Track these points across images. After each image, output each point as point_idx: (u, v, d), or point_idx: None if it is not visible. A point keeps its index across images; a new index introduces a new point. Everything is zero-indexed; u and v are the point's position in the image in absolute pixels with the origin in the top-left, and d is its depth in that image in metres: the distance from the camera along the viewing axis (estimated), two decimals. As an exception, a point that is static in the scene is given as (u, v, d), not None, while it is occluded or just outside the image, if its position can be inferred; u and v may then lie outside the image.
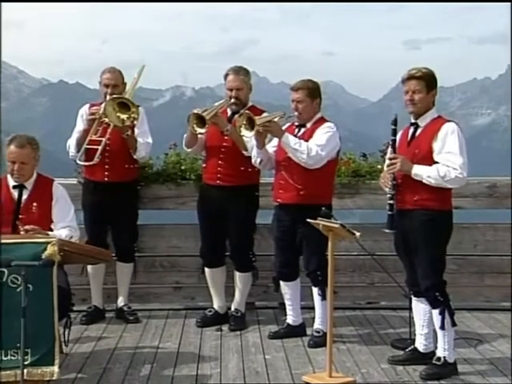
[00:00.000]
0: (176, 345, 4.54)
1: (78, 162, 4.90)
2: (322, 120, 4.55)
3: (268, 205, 4.97)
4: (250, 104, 4.88)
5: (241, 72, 4.80)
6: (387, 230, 3.99)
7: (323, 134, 4.42)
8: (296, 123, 4.57)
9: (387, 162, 4.07)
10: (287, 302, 4.69)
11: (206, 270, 5.02)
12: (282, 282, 4.67)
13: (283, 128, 4.50)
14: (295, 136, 4.46)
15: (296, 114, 4.49)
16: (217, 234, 4.91)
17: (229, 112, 4.83)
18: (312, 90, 4.49)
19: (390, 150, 4.03)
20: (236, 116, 4.63)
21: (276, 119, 4.52)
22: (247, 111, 4.49)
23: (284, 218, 4.56)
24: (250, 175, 4.83)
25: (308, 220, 4.05)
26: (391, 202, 3.96)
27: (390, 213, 3.96)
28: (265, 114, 4.78)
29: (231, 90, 4.78)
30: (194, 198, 5.18)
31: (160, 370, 4.06)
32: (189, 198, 5.38)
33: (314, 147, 4.34)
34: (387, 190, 4.00)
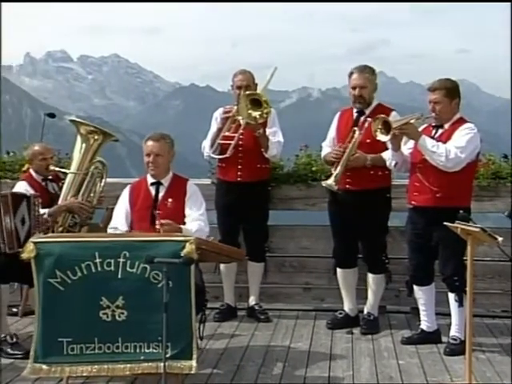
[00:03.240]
0: (307, 345, 4.56)
1: (212, 155, 5.03)
2: (462, 121, 4.38)
3: (401, 207, 4.87)
4: (376, 102, 4.80)
5: (365, 70, 4.73)
6: None
7: (463, 136, 4.26)
8: (433, 124, 4.43)
9: None
10: (421, 308, 4.56)
11: (338, 270, 4.99)
12: (415, 287, 4.55)
13: (419, 129, 4.38)
14: (432, 137, 4.33)
15: (433, 115, 4.36)
16: (349, 235, 4.87)
17: (354, 112, 4.78)
18: (450, 90, 4.34)
19: None
20: (362, 118, 4.60)
21: (412, 121, 4.40)
22: (382, 115, 4.41)
23: (418, 221, 4.44)
24: (381, 178, 4.75)
25: (445, 223, 3.91)
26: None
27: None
28: (394, 114, 4.69)
29: (354, 88, 4.73)
30: (325, 200, 5.16)
31: (292, 369, 4.09)
32: (319, 200, 5.38)
33: (453, 149, 4.20)
34: None
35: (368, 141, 4.63)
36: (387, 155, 4.52)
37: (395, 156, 4.46)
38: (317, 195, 5.40)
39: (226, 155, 4.94)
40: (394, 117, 4.62)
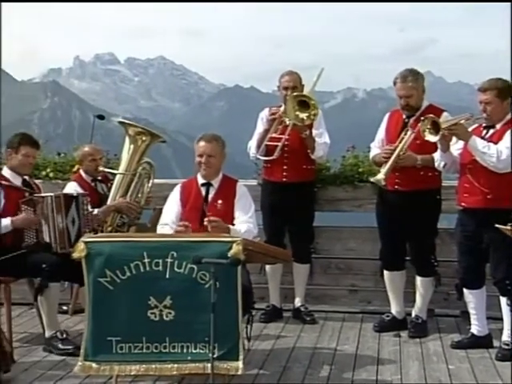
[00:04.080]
0: (353, 348, 4.52)
1: (259, 156, 5.04)
2: (514, 120, 4.28)
3: (450, 208, 4.78)
4: (427, 104, 4.73)
5: (408, 78, 4.63)
6: None
7: (515, 137, 4.16)
8: (484, 124, 4.34)
9: None
10: (471, 311, 4.47)
11: (385, 272, 4.93)
12: (465, 290, 4.45)
13: (469, 130, 4.29)
14: (482, 138, 4.25)
15: (484, 115, 4.27)
16: (396, 237, 4.81)
17: (404, 116, 4.72)
18: (502, 90, 4.23)
19: None
20: (412, 119, 4.54)
21: (462, 121, 4.32)
22: (431, 115, 4.34)
23: (468, 223, 4.36)
24: (431, 179, 4.68)
25: (496, 225, 3.83)
26: None
27: None
28: (445, 114, 4.61)
29: (400, 97, 4.68)
30: (372, 201, 5.12)
31: (339, 372, 4.06)
32: (366, 201, 5.34)
33: (505, 150, 4.10)
34: None
35: (418, 141, 4.56)
36: (437, 156, 4.45)
37: (444, 157, 4.38)
38: (364, 196, 5.36)
39: (273, 157, 4.93)
40: (445, 117, 4.54)
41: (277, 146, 4.92)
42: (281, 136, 4.93)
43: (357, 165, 5.39)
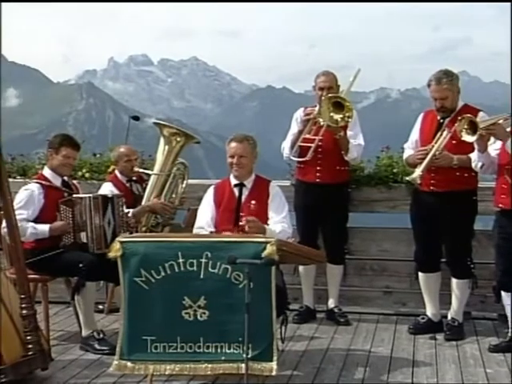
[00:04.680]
0: (388, 350, 4.48)
1: (292, 157, 5.03)
2: (554, 120, 4.20)
3: (486, 210, 4.72)
4: (462, 104, 4.66)
5: (443, 80, 4.56)
6: None
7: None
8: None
9: None
10: (509, 314, 4.39)
11: (420, 274, 4.88)
12: (503, 293, 4.38)
13: (507, 130, 4.22)
14: (521, 138, 4.17)
15: (523, 115, 4.19)
16: (431, 238, 4.76)
17: (438, 117, 4.66)
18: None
19: None
20: (447, 120, 4.49)
21: (500, 121, 4.24)
22: (469, 115, 4.28)
23: (506, 224, 4.28)
24: (467, 180, 4.61)
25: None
26: None
27: None
28: (481, 114, 4.54)
29: (435, 99, 4.62)
30: (406, 202, 5.07)
31: (374, 374, 4.02)
32: (400, 202, 5.29)
33: (545, 151, 4.03)
34: None
35: (454, 141, 4.50)
36: (474, 156, 4.38)
37: (482, 157, 4.32)
38: (398, 197, 5.31)
39: (306, 158, 4.92)
40: (481, 117, 4.48)
41: (310, 146, 4.90)
42: (314, 137, 4.92)
43: (391, 165, 5.35)
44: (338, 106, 4.80)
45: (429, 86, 4.66)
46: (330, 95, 4.84)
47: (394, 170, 5.32)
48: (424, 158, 4.55)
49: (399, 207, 5.32)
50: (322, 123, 4.88)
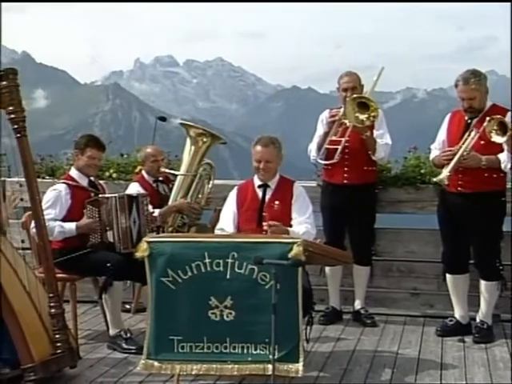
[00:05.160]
0: (416, 352, 4.43)
1: (319, 160, 5.01)
2: None
3: (517, 211, 4.66)
4: (490, 103, 4.60)
5: (470, 80, 4.50)
6: None
7: None
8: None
9: None
10: (538, 317, 4.33)
11: (448, 276, 4.82)
12: (532, 295, 4.32)
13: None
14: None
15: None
16: (459, 240, 4.70)
17: (466, 117, 4.61)
18: None
19: None
20: (475, 121, 4.44)
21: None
22: (498, 116, 4.23)
23: (536, 226, 4.22)
24: (496, 181, 4.56)
25: None
26: None
27: None
28: (510, 114, 4.47)
29: (463, 99, 4.57)
30: (434, 203, 5.03)
31: (401, 376, 3.99)
32: (428, 203, 5.25)
33: None
34: None
35: (482, 142, 4.45)
36: (503, 157, 4.32)
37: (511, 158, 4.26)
38: (426, 198, 5.27)
39: (334, 160, 4.89)
40: (510, 117, 4.42)
41: (337, 148, 4.88)
42: (340, 139, 4.89)
43: (419, 166, 5.30)
44: (363, 106, 4.77)
45: (456, 86, 4.60)
46: (354, 96, 4.82)
47: (422, 171, 5.28)
48: (451, 159, 4.50)
49: (427, 208, 5.27)
50: (348, 124, 4.86)
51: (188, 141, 5.13)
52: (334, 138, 4.94)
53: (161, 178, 5.29)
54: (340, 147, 4.88)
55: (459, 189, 4.60)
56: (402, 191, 5.33)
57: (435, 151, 4.82)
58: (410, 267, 5.33)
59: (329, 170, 5.08)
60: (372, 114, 4.75)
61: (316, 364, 4.17)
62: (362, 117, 4.78)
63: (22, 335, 3.74)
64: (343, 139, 4.88)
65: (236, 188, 4.49)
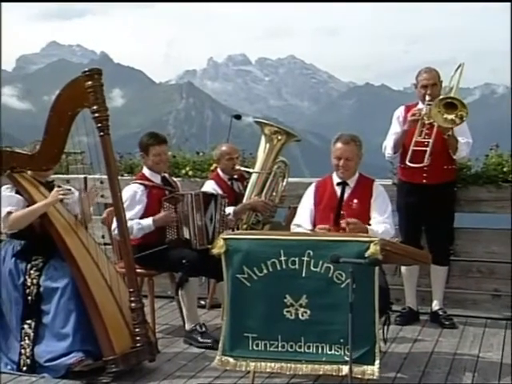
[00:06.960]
0: (498, 356, 4.29)
1: (408, 163, 4.82)
2: None
3: None
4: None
5: None
6: None
7: None
8: None
9: None
10: None
11: (532, 279, 4.65)
12: None
13: None
14: None
15: None
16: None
17: None
18: None
19: None
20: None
21: None
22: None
23: None
24: None
25: None
26: None
27: None
28: None
29: None
30: (515, 202, 4.85)
31: (483, 379, 3.87)
32: (508, 202, 5.07)
33: None
34: None
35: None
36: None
37: None
38: (507, 197, 5.10)
39: (424, 163, 4.74)
40: None
41: (422, 150, 4.74)
42: (427, 140, 4.74)
43: (501, 164, 5.13)
44: (449, 105, 4.62)
45: None
46: (440, 97, 4.65)
47: (504, 169, 5.10)
48: None
49: (507, 208, 5.10)
50: (433, 122, 4.72)
51: (263, 139, 5.14)
52: (418, 138, 4.80)
53: (235, 176, 5.32)
54: (429, 149, 4.72)
55: None
56: (483, 190, 5.17)
57: None
58: (490, 268, 5.17)
59: (407, 169, 4.96)
60: (460, 113, 4.60)
61: (393, 365, 4.10)
62: (451, 117, 4.63)
63: (104, 328, 3.85)
64: (430, 140, 4.73)
65: (314, 185, 4.45)
